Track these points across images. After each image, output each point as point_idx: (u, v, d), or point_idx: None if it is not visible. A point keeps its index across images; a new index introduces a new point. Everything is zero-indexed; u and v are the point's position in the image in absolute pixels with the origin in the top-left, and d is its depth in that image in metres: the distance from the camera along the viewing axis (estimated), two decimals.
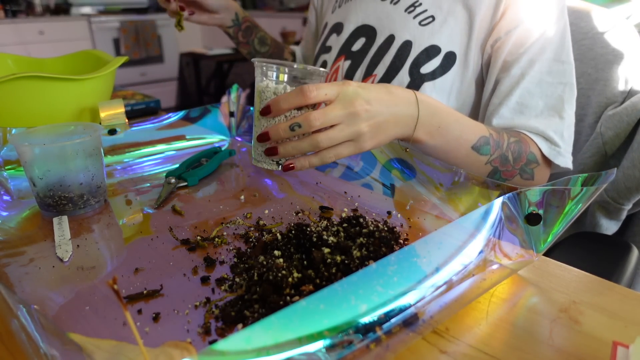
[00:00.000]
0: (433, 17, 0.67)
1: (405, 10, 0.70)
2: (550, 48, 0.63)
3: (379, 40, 0.71)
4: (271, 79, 0.49)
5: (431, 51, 0.66)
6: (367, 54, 0.72)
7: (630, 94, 0.71)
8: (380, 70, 0.69)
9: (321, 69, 0.50)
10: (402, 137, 0.53)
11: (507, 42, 0.63)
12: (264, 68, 0.49)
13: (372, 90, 0.49)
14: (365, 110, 0.48)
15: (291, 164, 0.49)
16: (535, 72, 0.62)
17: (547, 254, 0.43)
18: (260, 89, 0.49)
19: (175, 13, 0.81)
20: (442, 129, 0.55)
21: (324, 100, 0.47)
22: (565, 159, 0.63)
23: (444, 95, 0.67)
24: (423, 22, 0.68)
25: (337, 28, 0.78)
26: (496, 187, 0.46)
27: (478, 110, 0.69)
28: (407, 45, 0.68)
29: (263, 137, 0.48)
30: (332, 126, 0.47)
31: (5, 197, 0.58)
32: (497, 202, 0.35)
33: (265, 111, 0.47)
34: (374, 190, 0.60)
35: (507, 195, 0.36)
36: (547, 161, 0.63)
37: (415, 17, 0.68)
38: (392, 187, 0.60)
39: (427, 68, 0.66)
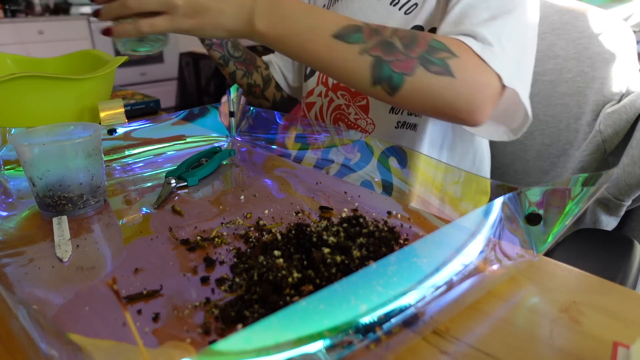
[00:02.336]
0: (416, 4, 0.67)
1: (391, 4, 0.70)
2: None
3: None
4: None
5: None
6: None
7: (627, 92, 0.72)
8: None
9: None
10: (237, 31, 0.53)
11: None
12: None
13: None
14: None
15: (109, 28, 0.52)
16: None
17: (551, 252, 0.43)
18: None
19: None
20: (287, 19, 0.52)
21: None
22: (502, 65, 0.52)
23: None
24: (408, 11, 0.67)
25: None
26: (497, 186, 0.46)
27: None
28: None
29: (96, 15, 0.53)
30: None
31: (4, 197, 0.58)
32: (497, 202, 0.35)
33: None
34: (373, 190, 0.60)
35: (507, 195, 0.36)
36: (475, 61, 0.52)
37: (400, 8, 0.68)
38: (391, 185, 0.59)
39: None
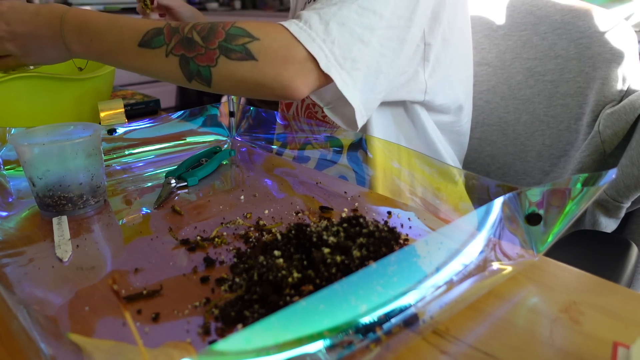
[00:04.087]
0: None
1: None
2: None
3: None
4: None
5: None
6: None
7: (628, 92, 0.72)
8: None
9: None
10: (64, 58, 0.60)
11: None
12: None
13: (17, 11, 0.57)
14: (5, 31, 0.57)
15: None
16: None
17: (547, 253, 0.43)
18: None
19: None
20: (95, 38, 0.56)
21: None
22: (319, 48, 0.52)
23: None
24: None
25: None
26: (497, 186, 0.46)
27: None
28: None
29: None
30: None
31: (4, 197, 0.58)
32: (497, 202, 0.35)
33: None
34: (348, 181, 0.60)
35: (507, 195, 0.36)
36: (283, 41, 0.52)
37: None
38: (363, 172, 0.60)
39: None
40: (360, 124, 0.59)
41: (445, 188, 0.53)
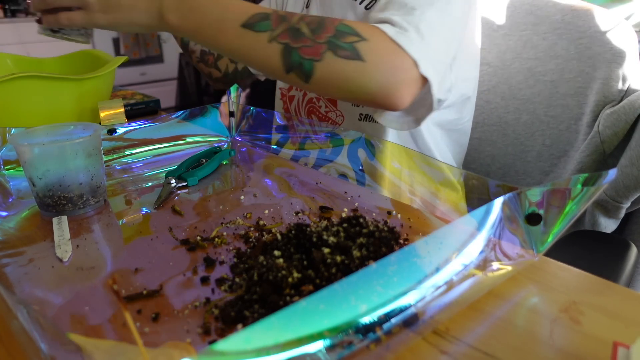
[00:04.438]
0: (376, 0, 0.67)
1: (354, 0, 0.70)
2: None
3: None
4: None
5: None
6: None
7: (628, 92, 0.72)
8: None
9: None
10: (151, 25, 0.55)
11: None
12: None
13: None
14: None
15: (38, 18, 0.60)
16: None
17: (547, 253, 0.43)
18: None
19: None
20: (196, 11, 0.53)
21: None
22: (419, 51, 0.51)
23: None
24: (368, 6, 0.68)
25: None
26: (497, 186, 0.46)
27: None
28: None
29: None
30: None
31: (4, 197, 0.58)
32: (497, 202, 0.35)
33: None
34: (348, 180, 0.60)
35: (507, 195, 0.36)
36: (387, 44, 0.51)
37: (361, 2, 0.69)
38: (362, 171, 0.60)
39: None
40: (426, 118, 0.57)
41: (445, 188, 0.53)
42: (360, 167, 0.61)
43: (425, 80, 0.53)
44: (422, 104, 0.57)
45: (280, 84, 0.87)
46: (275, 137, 0.75)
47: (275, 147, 0.74)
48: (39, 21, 0.62)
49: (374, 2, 0.67)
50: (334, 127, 0.68)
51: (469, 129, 0.80)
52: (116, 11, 0.54)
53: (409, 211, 0.53)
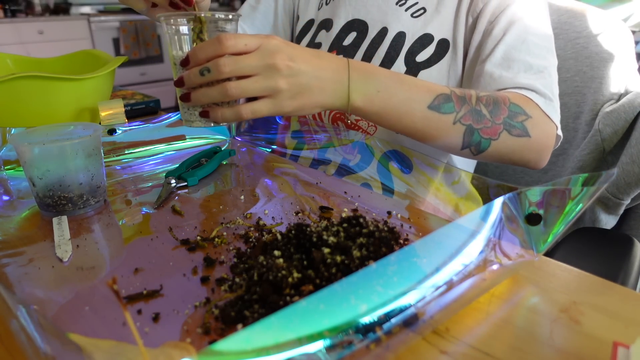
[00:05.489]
0: (424, 9, 0.67)
1: (397, 4, 0.70)
2: (531, 9, 0.61)
3: (372, 33, 0.71)
4: (184, 32, 0.49)
5: (425, 39, 0.66)
6: (360, 47, 0.71)
7: (626, 91, 0.72)
8: (376, 62, 0.68)
9: (231, 13, 0.50)
10: (334, 106, 0.52)
11: (487, 8, 0.62)
12: (175, 19, 0.49)
13: (297, 49, 0.49)
14: (287, 65, 0.47)
15: (206, 110, 0.50)
16: (518, 29, 0.60)
17: (551, 251, 0.43)
18: (175, 39, 0.50)
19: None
20: (382, 92, 0.52)
21: (243, 50, 0.46)
22: (557, 115, 0.58)
23: (442, 82, 0.66)
24: (415, 14, 0.68)
25: (326, 24, 0.77)
26: (496, 186, 0.46)
27: None
28: (400, 36, 0.68)
29: (179, 83, 0.48)
30: (248, 77, 0.47)
31: (4, 197, 0.58)
32: (497, 202, 0.35)
33: (185, 62, 0.48)
34: (373, 191, 0.60)
35: (507, 195, 0.36)
36: (542, 117, 0.57)
37: (407, 9, 0.69)
38: (391, 189, 0.60)
39: (422, 56, 0.66)
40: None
41: (445, 188, 0.53)
42: (390, 178, 0.61)
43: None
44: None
45: None
46: (292, 142, 0.74)
47: (292, 151, 0.73)
48: (183, 98, 0.50)
49: (422, 11, 0.67)
50: (363, 134, 0.66)
51: None
52: (307, 96, 0.49)
53: (409, 211, 0.53)
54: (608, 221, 0.73)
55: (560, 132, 0.59)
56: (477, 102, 0.54)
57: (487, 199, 0.48)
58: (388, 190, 0.61)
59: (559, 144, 0.62)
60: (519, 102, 0.56)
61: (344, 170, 0.67)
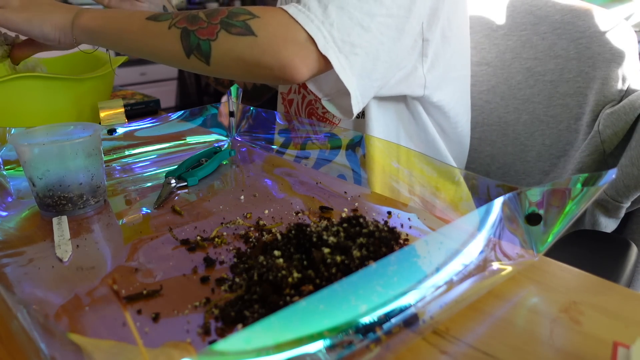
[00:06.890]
0: None
1: None
2: None
3: None
4: None
5: None
6: None
7: (627, 92, 0.72)
8: None
9: None
10: (63, 24, 0.60)
11: None
12: None
13: None
14: None
15: None
16: None
17: (547, 253, 0.43)
18: None
19: None
20: (107, 14, 0.60)
21: None
22: (317, 29, 0.52)
23: None
24: None
25: None
26: (497, 186, 0.46)
27: None
28: None
29: None
30: None
31: (4, 197, 0.58)
32: (497, 202, 0.35)
33: None
34: (347, 180, 0.61)
35: (507, 195, 0.36)
36: (281, 20, 0.53)
37: None
38: (359, 174, 0.61)
39: None
40: (355, 111, 0.58)
41: (445, 188, 0.53)
42: (359, 167, 0.61)
43: (327, 60, 0.54)
44: (339, 94, 0.58)
45: (281, 88, 0.87)
46: (279, 139, 0.75)
47: (279, 148, 0.74)
48: None
49: None
50: (332, 126, 0.68)
51: (468, 132, 0.80)
52: (36, 10, 0.59)
53: (409, 211, 0.53)
54: (608, 224, 0.73)
55: (325, 51, 0.53)
56: (196, 11, 0.56)
57: (487, 199, 0.48)
58: (357, 176, 0.62)
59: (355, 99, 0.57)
60: (250, 7, 0.55)
61: (322, 160, 0.68)
